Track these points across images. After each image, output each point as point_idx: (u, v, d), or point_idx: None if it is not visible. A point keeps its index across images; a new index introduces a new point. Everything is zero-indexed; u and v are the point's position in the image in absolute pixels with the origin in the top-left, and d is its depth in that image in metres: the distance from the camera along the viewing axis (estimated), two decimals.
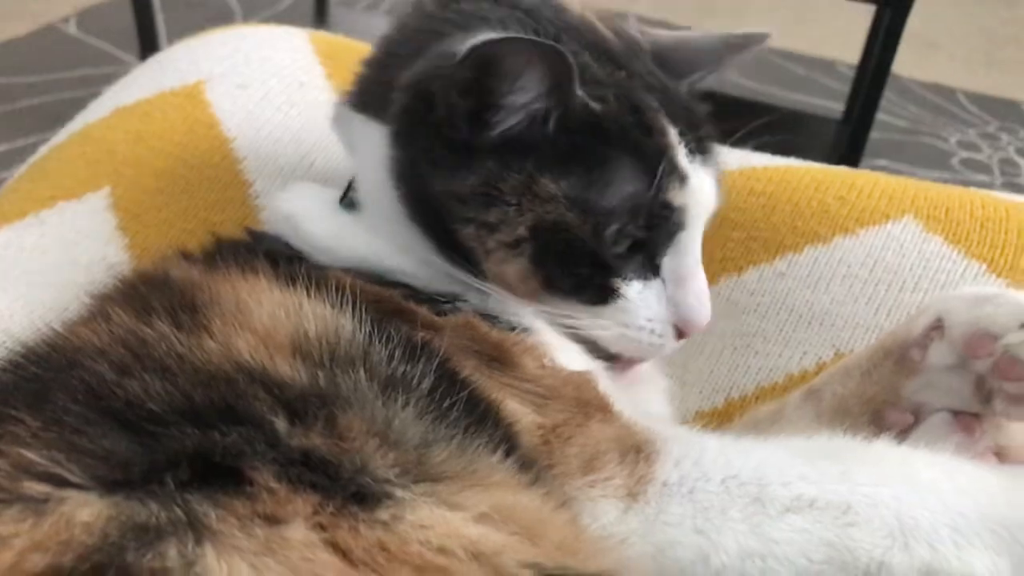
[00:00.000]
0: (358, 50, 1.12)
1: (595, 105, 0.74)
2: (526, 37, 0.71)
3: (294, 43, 1.09)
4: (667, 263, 0.79)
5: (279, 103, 1.03)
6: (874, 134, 2.91)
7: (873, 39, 2.14)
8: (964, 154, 2.84)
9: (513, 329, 0.74)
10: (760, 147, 1.06)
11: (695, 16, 3.26)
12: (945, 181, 1.20)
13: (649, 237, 0.77)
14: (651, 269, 0.79)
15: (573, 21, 0.80)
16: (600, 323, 0.78)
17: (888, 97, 3.07)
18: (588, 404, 0.70)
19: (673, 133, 0.78)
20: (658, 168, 0.75)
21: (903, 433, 0.75)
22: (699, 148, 0.80)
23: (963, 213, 0.95)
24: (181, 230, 0.92)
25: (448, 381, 0.63)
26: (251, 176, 0.97)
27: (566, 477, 0.64)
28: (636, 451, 0.66)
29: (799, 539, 0.61)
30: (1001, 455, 0.74)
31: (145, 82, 1.03)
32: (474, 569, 0.51)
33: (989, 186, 2.71)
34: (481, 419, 0.61)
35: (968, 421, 0.74)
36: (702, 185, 0.80)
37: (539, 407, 0.68)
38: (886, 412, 0.77)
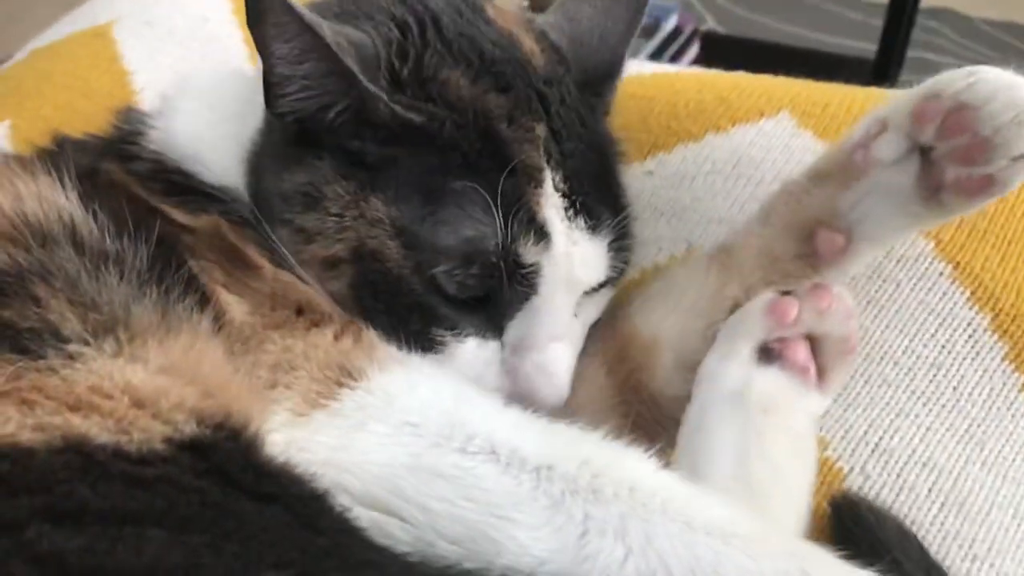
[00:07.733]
0: None
1: (409, 115, 0.67)
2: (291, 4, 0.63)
3: None
4: (512, 328, 0.70)
5: (181, 37, 1.08)
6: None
7: None
8: None
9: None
10: None
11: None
12: None
13: (490, 291, 0.69)
14: (493, 330, 0.70)
15: (474, 29, 0.73)
16: None
17: (953, 39, 2.92)
18: (319, 314, 0.67)
19: (550, 181, 0.69)
20: (510, 215, 0.66)
21: (831, 262, 0.72)
22: (584, 211, 0.70)
23: (840, 108, 0.92)
24: None
25: (169, 263, 0.64)
26: (146, 106, 1.02)
27: (255, 375, 0.63)
28: (340, 372, 0.63)
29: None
30: (816, 344, 0.72)
31: (62, 27, 1.10)
32: (133, 411, 0.55)
33: None
34: (193, 295, 0.63)
35: (782, 306, 0.71)
36: (572, 252, 0.70)
37: (258, 306, 0.66)
38: (818, 233, 0.72)
